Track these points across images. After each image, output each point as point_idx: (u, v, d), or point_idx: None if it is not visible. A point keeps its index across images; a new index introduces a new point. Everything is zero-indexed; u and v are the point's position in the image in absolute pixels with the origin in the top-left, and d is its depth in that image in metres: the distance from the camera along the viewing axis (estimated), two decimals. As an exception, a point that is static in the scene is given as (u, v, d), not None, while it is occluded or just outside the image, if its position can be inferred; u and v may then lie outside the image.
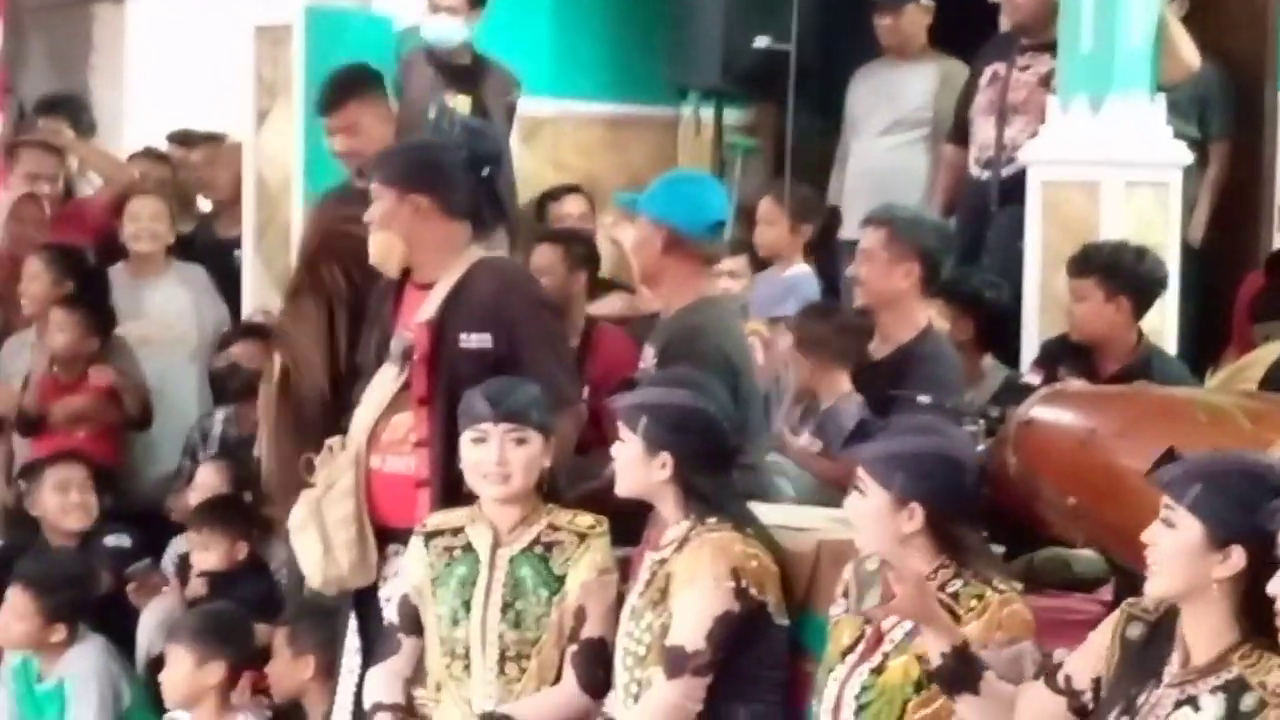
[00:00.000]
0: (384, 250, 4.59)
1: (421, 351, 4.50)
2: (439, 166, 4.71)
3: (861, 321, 5.20)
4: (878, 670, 3.53)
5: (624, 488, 4.09)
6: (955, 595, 3.51)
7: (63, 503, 5.93)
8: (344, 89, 5.53)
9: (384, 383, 4.58)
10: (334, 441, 4.66)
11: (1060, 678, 3.23)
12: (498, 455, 4.18)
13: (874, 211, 5.26)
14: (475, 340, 4.50)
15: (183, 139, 7.71)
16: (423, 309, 4.56)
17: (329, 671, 4.88)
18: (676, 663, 3.87)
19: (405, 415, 4.53)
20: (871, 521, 3.56)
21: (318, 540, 4.54)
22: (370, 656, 4.54)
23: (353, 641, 4.69)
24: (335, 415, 4.78)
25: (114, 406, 6.39)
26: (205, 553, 5.60)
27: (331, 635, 4.84)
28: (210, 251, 7.03)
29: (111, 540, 5.97)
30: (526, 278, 4.94)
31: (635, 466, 4.03)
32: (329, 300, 5.00)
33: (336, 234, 5.10)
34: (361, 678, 4.53)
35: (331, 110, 5.51)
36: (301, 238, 5.58)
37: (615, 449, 4.10)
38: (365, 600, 4.63)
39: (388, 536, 4.55)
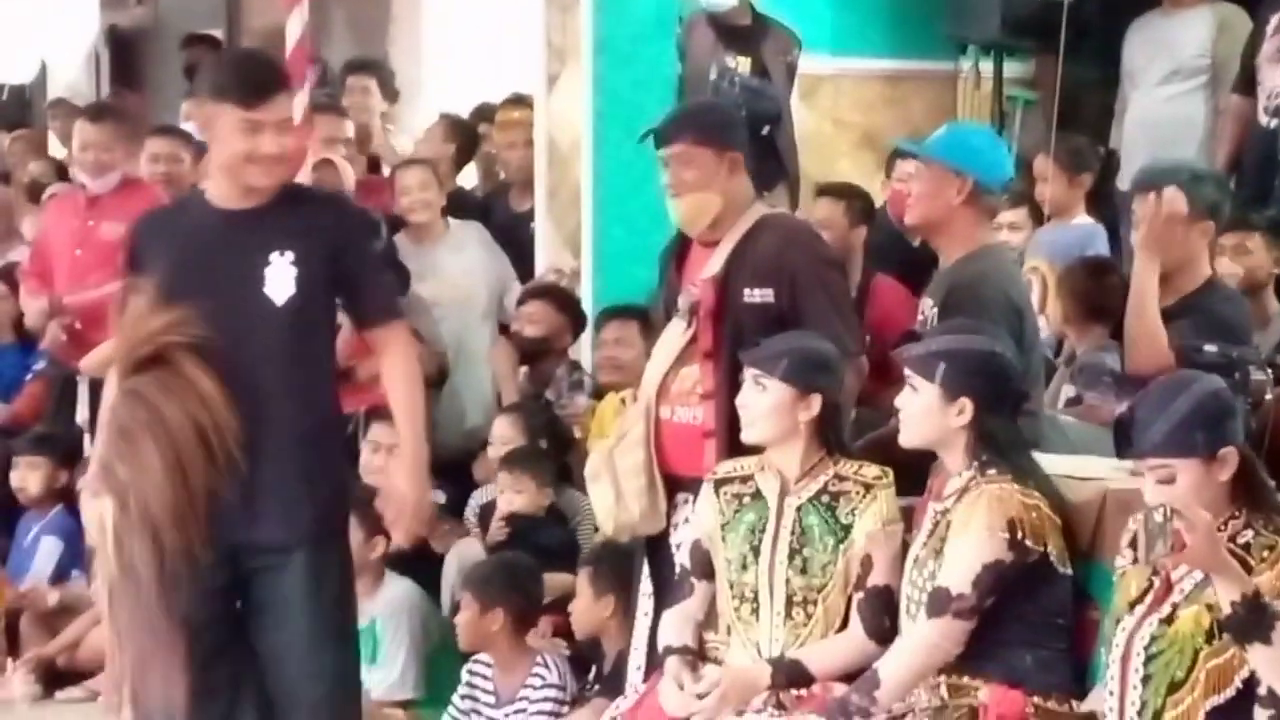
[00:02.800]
0: (698, 211, 4.66)
1: (707, 306, 4.61)
2: (738, 123, 4.83)
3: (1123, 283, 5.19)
4: (1168, 620, 3.57)
5: (914, 437, 4.11)
6: (1246, 546, 3.53)
7: (371, 461, 6.04)
8: (277, 77, 4.40)
9: (672, 337, 4.71)
10: (626, 394, 4.82)
11: None
12: (743, 398, 4.33)
13: (1151, 174, 5.15)
14: (759, 295, 4.59)
15: (481, 113, 7.91)
16: (709, 265, 4.66)
17: (626, 611, 5.04)
18: (940, 603, 3.93)
19: (693, 368, 4.65)
20: (1189, 494, 3.55)
21: (610, 489, 4.68)
22: (662, 600, 4.68)
23: (645, 586, 4.83)
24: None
25: None
26: (516, 495, 5.74)
27: (629, 576, 4.99)
28: (504, 224, 7.20)
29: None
30: (809, 233, 5.00)
31: (931, 414, 4.06)
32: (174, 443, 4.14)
33: (167, 350, 4.17)
34: (654, 620, 4.66)
35: (267, 99, 4.25)
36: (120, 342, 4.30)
37: (903, 399, 4.12)
38: (657, 546, 4.77)
39: (677, 485, 4.68)
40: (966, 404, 4.04)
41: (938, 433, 4.08)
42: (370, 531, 5.57)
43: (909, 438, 4.13)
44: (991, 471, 4.02)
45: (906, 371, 4.13)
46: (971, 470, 4.04)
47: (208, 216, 4.34)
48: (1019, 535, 3.92)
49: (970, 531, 3.93)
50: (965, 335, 4.17)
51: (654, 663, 4.59)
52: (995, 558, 3.91)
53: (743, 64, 6.66)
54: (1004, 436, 4.08)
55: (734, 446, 4.49)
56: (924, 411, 4.07)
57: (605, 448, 4.75)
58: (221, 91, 4.25)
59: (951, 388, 4.04)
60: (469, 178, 8.04)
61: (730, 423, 4.48)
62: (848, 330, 4.66)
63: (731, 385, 4.48)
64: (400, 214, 6.92)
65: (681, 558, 4.54)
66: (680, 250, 4.82)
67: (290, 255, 4.26)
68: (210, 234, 4.31)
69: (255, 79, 4.28)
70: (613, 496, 4.69)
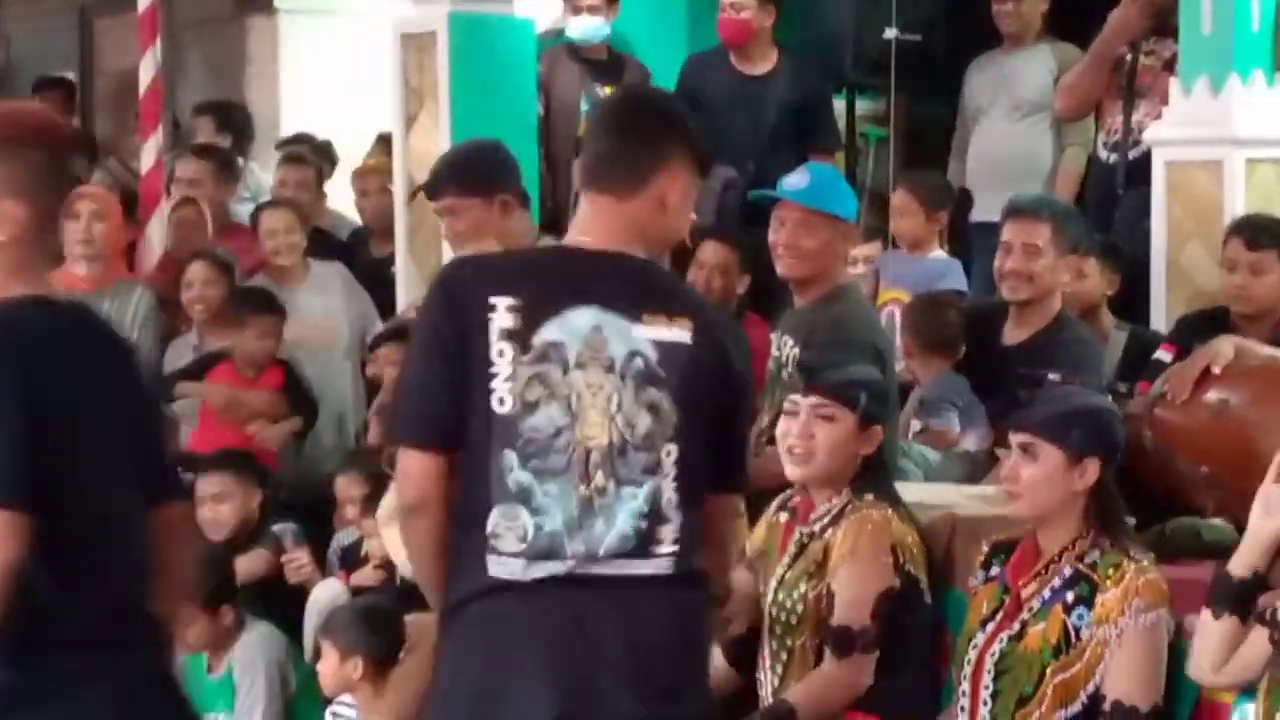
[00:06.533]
0: None
1: None
2: (509, 160, 4.81)
3: (963, 317, 5.31)
4: (1017, 637, 3.65)
5: (827, 465, 4.10)
6: (1093, 565, 3.63)
7: (201, 515, 5.88)
8: None
9: None
10: None
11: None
12: None
13: (1026, 204, 5.23)
14: None
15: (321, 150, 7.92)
16: None
17: (377, 671, 4.96)
18: (845, 642, 3.96)
19: None
20: (1043, 484, 3.65)
21: None
22: None
23: None
24: None
25: (285, 403, 6.50)
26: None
27: (382, 636, 4.92)
28: (366, 268, 7.16)
29: (278, 527, 5.97)
30: None
31: (847, 443, 4.09)
32: None
33: None
34: None
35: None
36: None
37: (815, 428, 4.10)
38: None
39: None
40: (877, 432, 4.13)
41: (843, 461, 4.11)
42: (208, 608, 5.46)
43: (823, 464, 4.11)
44: (869, 497, 4.08)
45: (817, 401, 4.13)
46: (844, 496, 4.09)
47: None
48: (901, 561, 4.00)
49: (858, 561, 3.97)
50: (868, 365, 4.28)
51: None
52: (886, 585, 3.97)
53: (609, 94, 6.72)
54: (885, 465, 4.19)
55: None
56: (843, 439, 4.09)
57: None
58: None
59: (870, 416, 4.11)
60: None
61: None
62: None
63: None
64: (264, 256, 6.90)
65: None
66: None
67: None
68: None
69: None
70: None
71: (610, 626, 3.13)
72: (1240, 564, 3.43)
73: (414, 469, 3.16)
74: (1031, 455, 3.67)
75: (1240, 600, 3.40)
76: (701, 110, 6.21)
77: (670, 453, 3.15)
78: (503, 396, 3.11)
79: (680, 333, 3.18)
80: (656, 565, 3.15)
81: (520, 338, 3.12)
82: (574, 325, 3.14)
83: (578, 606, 3.11)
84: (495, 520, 3.12)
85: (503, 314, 3.12)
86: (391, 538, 4.70)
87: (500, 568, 3.12)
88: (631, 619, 3.14)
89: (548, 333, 3.13)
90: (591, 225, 3.24)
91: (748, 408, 3.48)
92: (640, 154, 3.22)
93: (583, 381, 3.13)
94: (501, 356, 3.12)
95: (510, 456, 3.11)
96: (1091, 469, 3.66)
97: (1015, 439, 3.72)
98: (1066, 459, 3.65)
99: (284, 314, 6.56)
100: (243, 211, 7.74)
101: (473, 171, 4.75)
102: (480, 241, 4.62)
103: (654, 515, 3.15)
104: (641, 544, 3.14)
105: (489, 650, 3.12)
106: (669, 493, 3.16)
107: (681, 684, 3.18)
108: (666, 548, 3.15)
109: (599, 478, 3.13)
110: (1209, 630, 3.44)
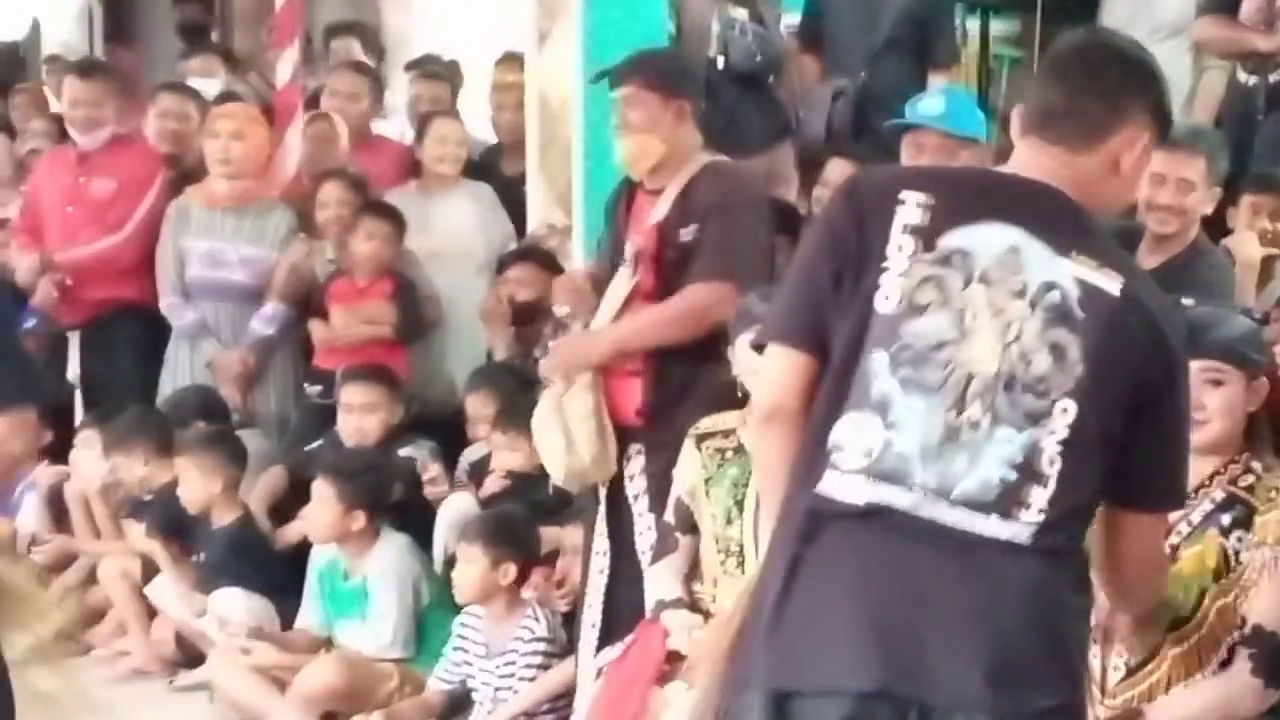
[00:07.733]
0: (641, 152, 4.72)
1: (648, 250, 4.68)
2: (695, 74, 4.86)
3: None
4: (1169, 560, 3.57)
5: None
6: (1250, 488, 3.60)
7: (346, 423, 6.12)
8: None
9: (619, 284, 4.75)
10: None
11: None
12: None
13: (1182, 136, 5.03)
14: (688, 233, 4.66)
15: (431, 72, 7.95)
16: (654, 212, 4.72)
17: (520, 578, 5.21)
18: None
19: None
20: (1235, 407, 3.61)
21: (560, 435, 4.71)
22: (618, 557, 4.72)
23: (600, 544, 4.83)
24: None
25: (393, 314, 6.57)
26: (511, 453, 5.77)
27: (525, 544, 5.15)
28: (498, 187, 7.21)
29: (408, 451, 6.11)
30: (746, 174, 5.03)
31: None
32: None
33: None
34: (610, 576, 4.73)
35: None
36: None
37: None
38: (614, 505, 4.79)
39: (627, 435, 4.73)
40: None
41: None
42: (349, 505, 5.62)
43: None
44: None
45: None
46: None
47: None
48: None
49: None
50: None
51: (614, 619, 4.67)
52: None
53: (740, 14, 6.70)
54: None
55: (660, 386, 4.61)
56: None
57: (555, 395, 4.74)
58: None
59: None
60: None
61: (658, 363, 4.60)
62: (734, 261, 4.63)
63: None
64: (427, 162, 6.96)
65: (666, 513, 4.53)
66: (627, 200, 4.86)
67: None
68: None
69: None
70: (563, 443, 4.70)
71: (953, 589, 2.74)
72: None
73: (778, 370, 2.90)
74: (1215, 381, 3.61)
75: None
76: (824, 18, 6.20)
77: (1066, 409, 2.76)
78: (889, 293, 2.80)
79: (1109, 282, 2.80)
80: (1014, 531, 2.75)
81: (924, 235, 2.81)
82: (988, 239, 2.81)
83: (915, 557, 2.75)
84: (842, 430, 2.80)
85: (911, 208, 2.82)
86: (546, 445, 4.76)
87: (836, 485, 2.79)
88: (978, 584, 2.74)
89: (957, 238, 2.81)
90: (1031, 167, 2.91)
91: (1182, 402, 2.90)
92: (1099, 109, 2.90)
93: (984, 299, 2.79)
94: (899, 251, 2.81)
95: (881, 359, 2.79)
96: (1263, 389, 3.63)
97: (1202, 364, 3.58)
98: (1245, 380, 3.62)
99: (402, 224, 6.60)
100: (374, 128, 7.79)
101: (659, 68, 4.80)
102: (648, 135, 4.68)
103: (1026, 470, 2.75)
104: (1003, 499, 2.75)
105: (811, 592, 2.79)
106: (1051, 452, 2.76)
107: (1035, 672, 2.74)
108: (1031, 515, 2.75)
109: (974, 409, 2.76)
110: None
